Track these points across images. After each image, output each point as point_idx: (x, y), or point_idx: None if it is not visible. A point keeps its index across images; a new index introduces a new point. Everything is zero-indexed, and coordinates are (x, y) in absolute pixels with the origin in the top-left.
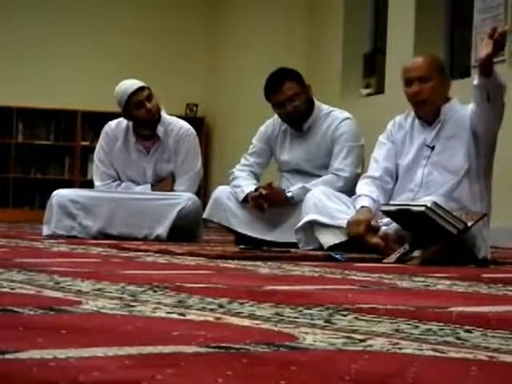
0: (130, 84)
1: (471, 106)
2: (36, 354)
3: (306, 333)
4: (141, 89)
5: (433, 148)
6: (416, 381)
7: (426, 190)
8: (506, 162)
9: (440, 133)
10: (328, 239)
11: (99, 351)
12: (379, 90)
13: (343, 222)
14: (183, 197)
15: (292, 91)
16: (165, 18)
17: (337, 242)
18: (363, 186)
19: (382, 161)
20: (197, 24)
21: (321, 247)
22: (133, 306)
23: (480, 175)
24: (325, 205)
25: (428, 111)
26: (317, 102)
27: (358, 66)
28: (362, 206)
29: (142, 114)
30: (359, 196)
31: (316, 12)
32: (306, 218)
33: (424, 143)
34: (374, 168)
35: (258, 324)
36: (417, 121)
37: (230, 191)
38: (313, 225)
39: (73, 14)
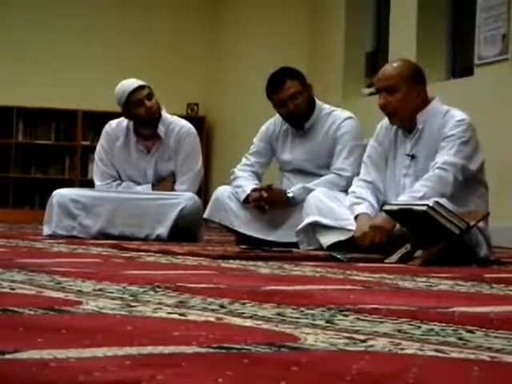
0: (129, 83)
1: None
2: (36, 354)
3: (308, 333)
4: (141, 87)
5: (413, 157)
6: (417, 381)
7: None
8: (506, 162)
9: (419, 142)
10: (328, 239)
11: (99, 351)
12: None
13: (345, 223)
14: (184, 196)
15: (294, 89)
16: (165, 18)
17: (336, 240)
18: (359, 190)
19: (371, 166)
20: (198, 24)
21: (322, 248)
22: (133, 307)
23: (468, 181)
24: (326, 206)
25: (399, 122)
26: (318, 102)
27: (360, 65)
28: (362, 213)
29: (141, 113)
30: (356, 202)
31: (318, 11)
32: (307, 220)
33: (404, 152)
34: (364, 172)
35: (259, 324)
36: (400, 129)
37: (231, 191)
38: (314, 226)
39: (73, 14)
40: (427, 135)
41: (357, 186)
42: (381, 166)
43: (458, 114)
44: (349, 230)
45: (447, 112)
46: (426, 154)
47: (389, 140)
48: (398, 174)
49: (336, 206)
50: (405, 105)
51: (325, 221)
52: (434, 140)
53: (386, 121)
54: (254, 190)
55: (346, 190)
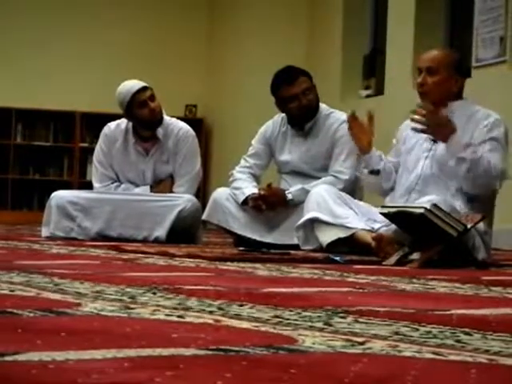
0: (133, 84)
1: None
2: (35, 356)
3: (306, 335)
4: (144, 88)
5: (435, 141)
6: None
7: (424, 185)
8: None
9: None
10: (327, 237)
11: (98, 353)
12: (379, 91)
13: (344, 221)
14: (182, 198)
15: (306, 85)
16: (164, 18)
17: (335, 238)
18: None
19: (396, 149)
20: (196, 24)
21: (320, 247)
22: (132, 309)
23: None
24: (327, 203)
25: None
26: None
27: (358, 67)
28: None
29: (145, 114)
30: None
31: (316, 13)
32: (307, 216)
33: (428, 136)
34: (393, 155)
35: (256, 326)
36: None
37: (229, 193)
38: (313, 223)
39: (72, 14)
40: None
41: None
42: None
43: (494, 113)
44: (348, 228)
45: (478, 110)
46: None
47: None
48: (418, 156)
49: (336, 205)
50: (439, 88)
51: (324, 217)
52: (460, 129)
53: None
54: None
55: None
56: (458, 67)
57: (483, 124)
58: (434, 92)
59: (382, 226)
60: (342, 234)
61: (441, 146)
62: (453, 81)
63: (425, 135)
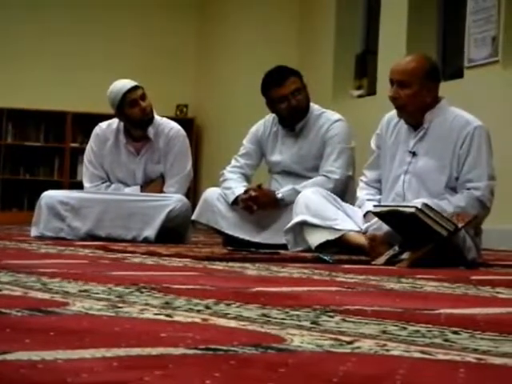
0: (124, 83)
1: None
2: (24, 355)
3: (294, 334)
4: (135, 88)
5: (414, 154)
6: (404, 383)
7: (408, 200)
8: (497, 164)
9: (423, 140)
10: (316, 239)
11: (87, 353)
12: (371, 91)
13: (333, 223)
14: (173, 198)
15: (296, 85)
16: (155, 19)
17: (324, 240)
18: (361, 191)
19: (370, 172)
20: (187, 25)
21: (310, 248)
22: (120, 308)
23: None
24: (315, 205)
25: (406, 116)
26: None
27: (350, 67)
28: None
29: (136, 113)
30: (362, 203)
31: (308, 13)
32: (296, 219)
33: (407, 149)
34: (374, 166)
35: (244, 325)
36: (406, 125)
37: (219, 193)
38: (302, 226)
39: (63, 15)
40: (432, 135)
41: (359, 189)
42: (378, 170)
43: (472, 119)
44: (337, 230)
45: (457, 116)
46: (426, 153)
47: (390, 134)
48: (398, 170)
49: (325, 206)
50: (414, 101)
51: (313, 220)
52: (439, 141)
53: (388, 116)
54: (245, 192)
55: (334, 193)
56: (430, 75)
57: (463, 134)
58: (409, 105)
59: (373, 226)
60: (331, 236)
61: (420, 160)
62: (425, 91)
63: (403, 146)
